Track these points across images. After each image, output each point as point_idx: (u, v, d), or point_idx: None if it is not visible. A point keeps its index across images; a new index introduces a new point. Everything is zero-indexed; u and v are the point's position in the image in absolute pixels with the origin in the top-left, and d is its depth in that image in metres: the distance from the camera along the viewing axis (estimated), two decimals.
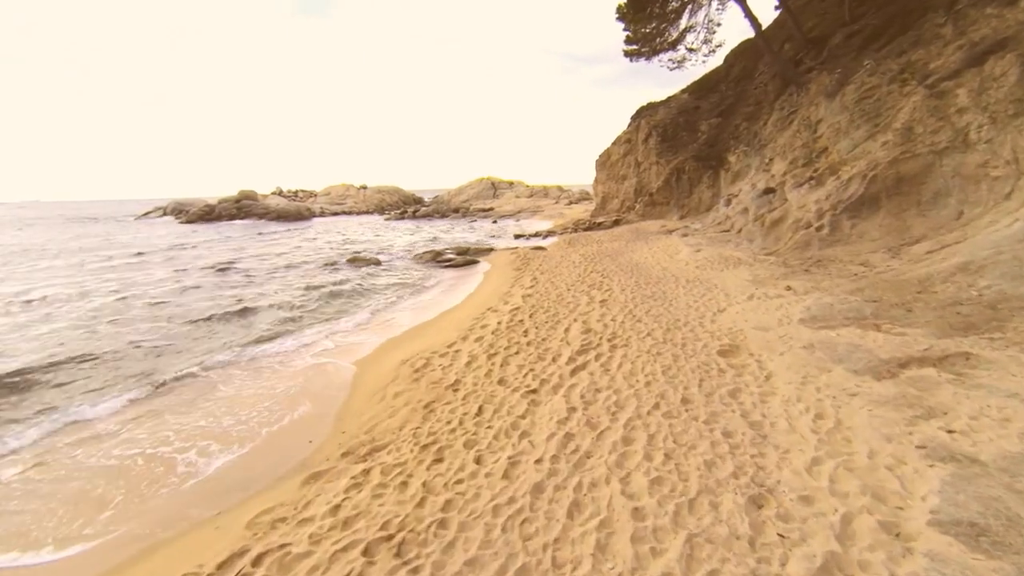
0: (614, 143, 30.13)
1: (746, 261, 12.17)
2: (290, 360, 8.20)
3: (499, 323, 8.48)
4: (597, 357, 6.49)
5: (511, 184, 71.39)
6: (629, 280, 11.18)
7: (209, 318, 10.95)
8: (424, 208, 50.18)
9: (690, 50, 22.93)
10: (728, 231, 16.75)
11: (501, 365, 6.59)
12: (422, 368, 6.86)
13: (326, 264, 18.97)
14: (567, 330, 7.79)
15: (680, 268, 12.43)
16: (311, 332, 9.79)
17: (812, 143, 14.88)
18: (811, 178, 13.34)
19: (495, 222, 39.72)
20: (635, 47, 21.81)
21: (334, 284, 14.79)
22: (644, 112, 28.98)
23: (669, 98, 29.18)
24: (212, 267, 18.98)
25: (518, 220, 40.64)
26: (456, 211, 47.98)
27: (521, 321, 8.49)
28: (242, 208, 52.21)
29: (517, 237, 26.98)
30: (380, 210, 60.14)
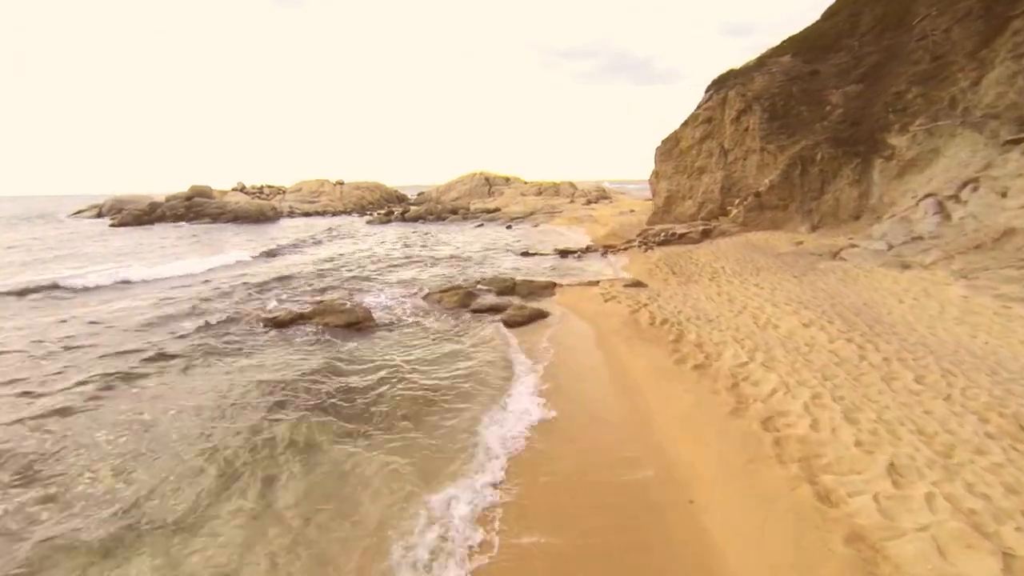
0: (685, 124, 22.19)
1: None
2: None
3: None
4: None
5: (507, 180, 63.16)
6: None
7: None
8: (415, 208, 41.57)
9: None
10: None
11: None
12: None
13: (256, 316, 10.46)
14: None
15: None
16: None
17: None
18: None
19: (509, 227, 31.43)
20: None
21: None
22: (731, 80, 21.10)
23: (763, 61, 21.37)
24: None
25: (537, 224, 32.47)
26: (454, 212, 39.51)
27: None
28: (193, 207, 43.04)
29: (564, 255, 18.81)
30: (359, 209, 51.32)
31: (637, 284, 12.30)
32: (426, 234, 28.46)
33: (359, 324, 10.25)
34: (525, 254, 19.75)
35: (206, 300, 12.19)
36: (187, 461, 5.16)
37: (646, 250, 17.96)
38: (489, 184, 61.28)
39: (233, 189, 55.93)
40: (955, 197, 12.28)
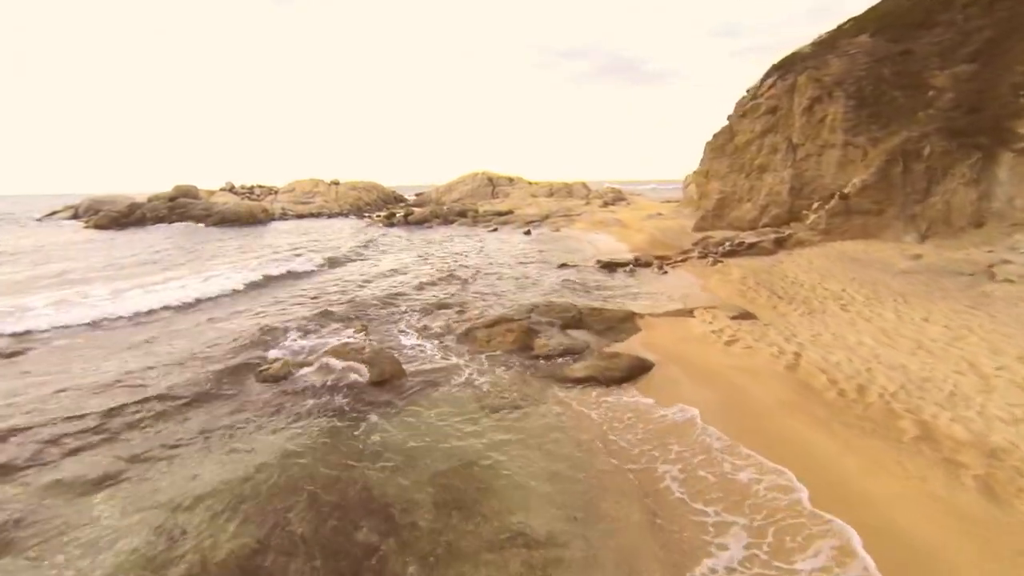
0: (742, 114, 19.27)
1: None
2: None
3: None
4: None
5: (511, 180, 60.02)
6: None
7: None
8: (418, 210, 38.39)
9: None
10: None
11: None
12: None
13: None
14: None
15: None
16: None
17: None
18: None
19: (527, 232, 28.37)
20: None
21: None
22: (799, 64, 18.19)
23: (833, 42, 18.44)
24: None
25: (557, 229, 29.46)
26: (462, 215, 36.39)
27: None
28: (176, 208, 39.64)
29: (611, 269, 15.79)
30: (357, 211, 47.98)
31: (746, 316, 9.30)
32: (440, 242, 25.32)
33: (385, 383, 7.17)
34: (563, 266, 16.72)
35: (183, 361, 9.00)
36: None
37: (713, 263, 14.99)
38: (492, 184, 58.16)
39: (221, 189, 52.41)
40: None
